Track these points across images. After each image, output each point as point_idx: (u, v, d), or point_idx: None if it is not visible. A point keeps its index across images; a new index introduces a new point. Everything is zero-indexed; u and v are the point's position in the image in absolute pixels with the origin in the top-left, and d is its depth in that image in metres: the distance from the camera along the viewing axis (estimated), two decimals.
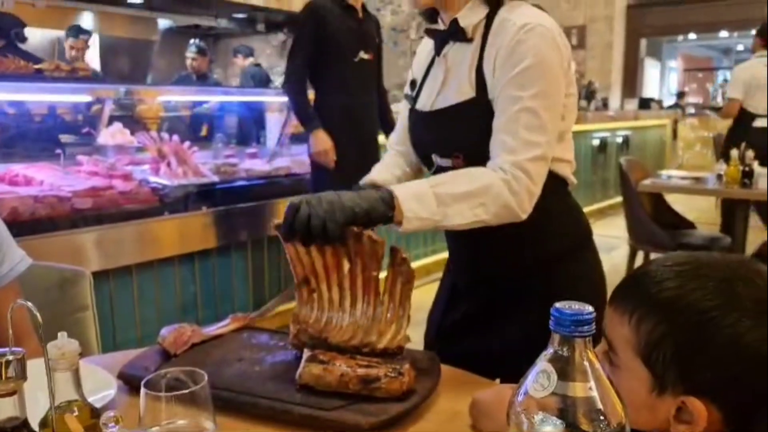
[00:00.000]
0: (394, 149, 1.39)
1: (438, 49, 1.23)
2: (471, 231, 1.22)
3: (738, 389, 0.67)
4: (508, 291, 1.23)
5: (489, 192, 1.06)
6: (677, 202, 4.30)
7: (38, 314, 0.73)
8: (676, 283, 0.69)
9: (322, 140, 2.91)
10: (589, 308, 0.51)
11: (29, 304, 0.73)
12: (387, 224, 1.06)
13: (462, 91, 1.16)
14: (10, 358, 0.69)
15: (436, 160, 1.22)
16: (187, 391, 0.80)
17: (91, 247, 2.51)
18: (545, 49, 1.07)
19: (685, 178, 3.83)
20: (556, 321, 0.50)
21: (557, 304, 0.51)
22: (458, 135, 1.17)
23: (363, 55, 2.96)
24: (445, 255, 1.40)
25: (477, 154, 1.13)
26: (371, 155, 3.19)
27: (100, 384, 1.00)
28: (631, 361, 0.70)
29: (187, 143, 3.01)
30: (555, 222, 1.21)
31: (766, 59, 4.34)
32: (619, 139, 7.00)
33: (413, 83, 1.30)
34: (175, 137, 2.99)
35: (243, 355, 1.14)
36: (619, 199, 4.27)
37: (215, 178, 3.04)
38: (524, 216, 1.08)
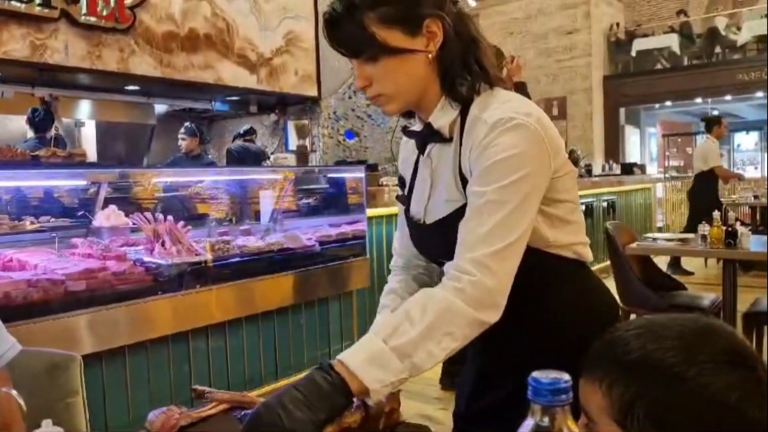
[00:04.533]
0: (399, 259, 1.31)
1: (421, 149, 1.17)
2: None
3: None
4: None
5: (447, 317, 0.94)
6: (666, 264, 4.35)
7: (22, 402, 0.75)
8: (638, 345, 0.73)
9: None
10: (566, 377, 0.53)
11: (14, 392, 0.75)
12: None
13: (451, 197, 1.09)
14: None
15: (444, 263, 1.17)
16: None
17: (83, 330, 2.50)
18: (519, 141, 1.00)
19: (671, 240, 3.89)
20: (534, 391, 0.53)
21: (534, 374, 0.54)
22: (455, 246, 1.08)
23: None
24: None
25: None
26: None
27: None
28: (609, 427, 0.72)
29: (181, 222, 3.05)
30: (577, 307, 1.15)
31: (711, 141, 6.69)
32: (605, 204, 7.13)
33: (402, 181, 1.26)
34: (170, 217, 3.04)
35: None
36: (608, 262, 4.32)
37: (209, 256, 3.07)
38: (496, 317, 0.97)
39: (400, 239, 1.31)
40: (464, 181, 1.06)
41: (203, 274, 3.00)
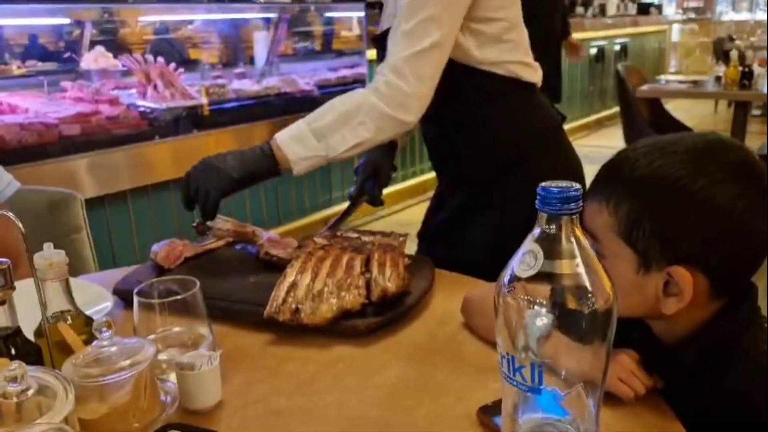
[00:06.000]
0: None
1: None
2: (438, 138, 1.28)
3: (718, 250, 0.69)
4: (479, 194, 1.23)
5: (362, 108, 1.05)
6: (676, 110, 4.25)
7: (20, 224, 0.72)
8: (646, 162, 0.71)
9: None
10: (576, 185, 0.49)
11: (10, 214, 0.72)
12: (278, 175, 1.11)
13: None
14: None
15: None
16: (179, 297, 0.81)
17: (83, 174, 2.49)
18: None
19: (683, 82, 3.75)
20: (542, 200, 0.49)
21: (543, 184, 0.50)
22: None
23: None
24: None
25: None
26: None
27: (96, 298, 1.01)
28: (614, 245, 0.72)
29: (172, 65, 2.92)
30: (515, 124, 1.18)
31: None
32: (617, 47, 6.82)
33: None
34: (160, 59, 2.90)
35: (237, 267, 1.14)
36: (617, 109, 4.21)
37: (204, 100, 2.98)
38: (411, 119, 1.06)
39: None
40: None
41: (200, 118, 2.93)
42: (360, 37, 4.01)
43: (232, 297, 1.01)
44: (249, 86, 3.29)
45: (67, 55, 3.09)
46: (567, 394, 0.53)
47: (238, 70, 3.50)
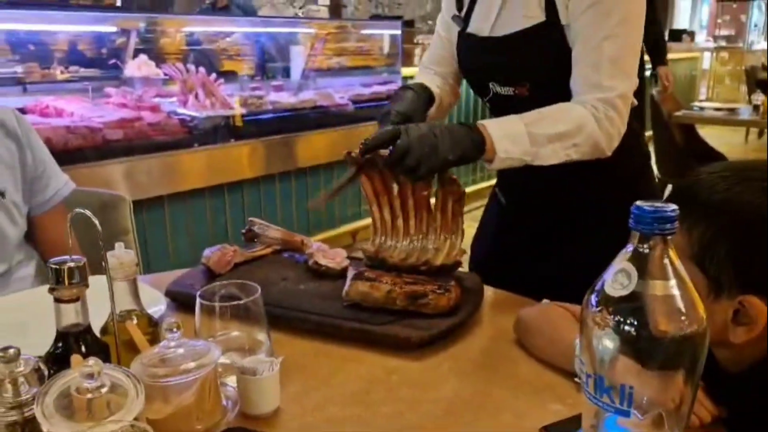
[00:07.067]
0: (431, 69, 1.30)
1: None
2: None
3: None
4: (569, 217, 1.18)
5: (582, 132, 1.01)
6: (707, 137, 4.20)
7: (97, 222, 0.74)
8: (724, 186, 0.71)
9: None
10: (672, 206, 0.49)
11: (88, 212, 0.74)
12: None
13: (530, 14, 1.05)
14: (72, 265, 0.70)
15: (495, 87, 1.15)
16: (241, 301, 0.81)
17: (123, 178, 2.53)
18: None
19: (719, 110, 3.71)
20: (636, 219, 0.49)
21: (638, 203, 0.49)
22: (526, 63, 1.08)
23: None
24: (489, 183, 1.36)
25: (545, 83, 1.07)
26: None
27: (150, 300, 1.01)
28: (685, 268, 0.70)
29: (213, 75, 2.97)
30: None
31: None
32: (648, 73, 6.77)
33: (459, 1, 1.20)
34: (202, 69, 2.95)
35: (287, 274, 1.15)
36: (649, 133, 4.17)
37: (243, 110, 3.02)
38: (609, 155, 1.04)
39: (432, 54, 1.30)
40: (549, 1, 1.04)
41: (238, 128, 2.96)
42: (395, 54, 4.04)
43: (284, 304, 1.02)
44: (286, 98, 3.33)
45: (112, 62, 3.16)
46: (645, 418, 0.53)
47: (275, 83, 3.55)
